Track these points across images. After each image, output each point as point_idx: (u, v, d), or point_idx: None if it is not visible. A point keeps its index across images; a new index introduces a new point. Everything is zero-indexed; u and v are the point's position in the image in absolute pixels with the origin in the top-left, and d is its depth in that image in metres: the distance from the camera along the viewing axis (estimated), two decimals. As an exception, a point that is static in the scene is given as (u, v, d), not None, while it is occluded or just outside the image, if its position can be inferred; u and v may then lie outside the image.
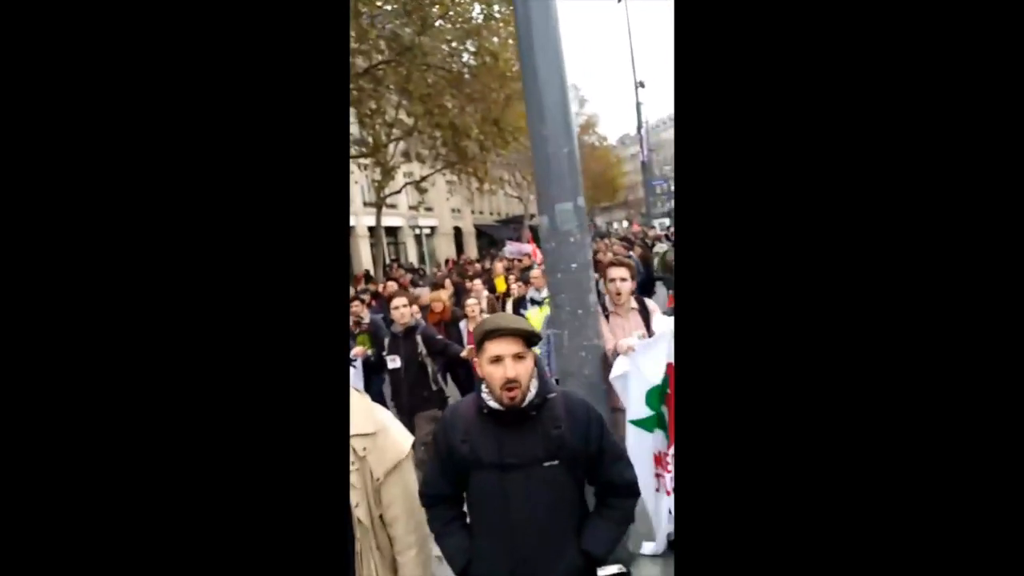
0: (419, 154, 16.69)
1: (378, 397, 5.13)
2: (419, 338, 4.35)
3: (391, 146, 14.96)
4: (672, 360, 2.84)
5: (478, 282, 6.98)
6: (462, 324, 5.39)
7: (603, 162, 38.00)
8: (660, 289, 10.70)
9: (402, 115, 13.93)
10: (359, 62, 11.64)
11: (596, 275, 3.56)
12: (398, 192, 18.21)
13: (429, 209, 28.66)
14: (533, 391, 1.61)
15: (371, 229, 19.82)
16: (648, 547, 3.08)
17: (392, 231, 25.80)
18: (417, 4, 11.36)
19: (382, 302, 7.03)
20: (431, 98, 12.27)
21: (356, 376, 4.78)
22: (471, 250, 30.65)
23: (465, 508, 1.73)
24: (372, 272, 16.84)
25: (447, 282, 9.07)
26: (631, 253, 10.43)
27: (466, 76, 12.84)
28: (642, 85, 25.26)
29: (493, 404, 1.60)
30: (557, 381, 3.49)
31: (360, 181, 22.14)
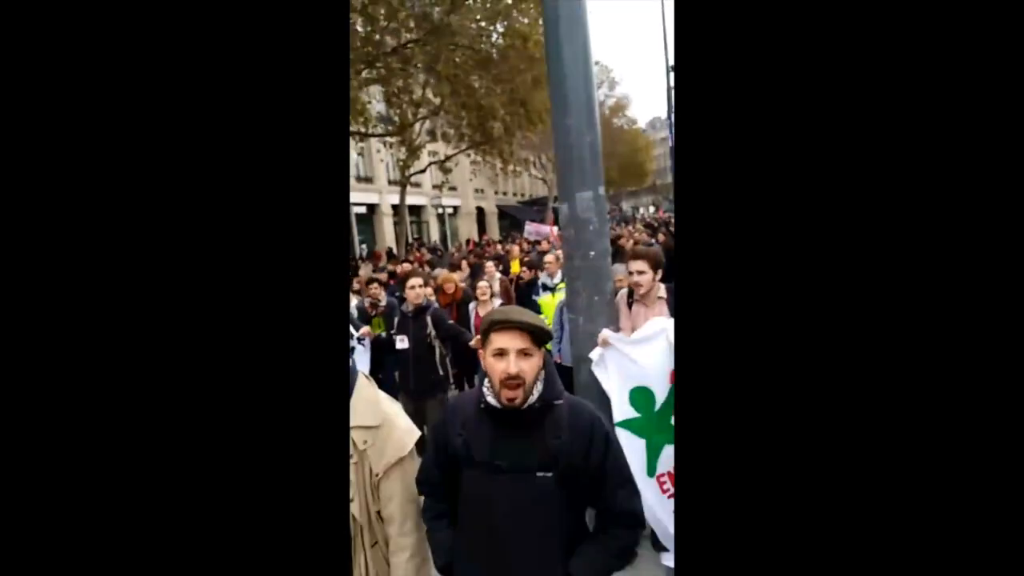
0: (445, 134, 16.66)
1: (389, 379, 5.02)
2: (428, 319, 4.21)
3: (417, 125, 14.99)
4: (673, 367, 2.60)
5: (491, 264, 6.88)
6: (471, 305, 5.27)
7: (631, 145, 37.39)
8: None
9: (429, 94, 13.91)
10: (388, 40, 11.64)
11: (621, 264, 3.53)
12: (423, 171, 18.24)
13: (453, 189, 28.69)
14: (537, 394, 1.48)
15: (395, 207, 19.96)
16: (668, 558, 2.82)
17: (416, 210, 25.92)
18: (447, -17, 11.32)
19: (399, 282, 7.08)
20: (458, 78, 12.24)
21: (364, 356, 4.57)
22: (493, 231, 30.66)
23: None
24: (395, 250, 16.99)
25: (464, 263, 9.03)
26: (653, 240, 10.33)
27: (494, 57, 12.76)
28: (674, 69, 24.66)
29: (491, 401, 1.49)
30: (569, 369, 3.47)
31: (386, 159, 22.23)
